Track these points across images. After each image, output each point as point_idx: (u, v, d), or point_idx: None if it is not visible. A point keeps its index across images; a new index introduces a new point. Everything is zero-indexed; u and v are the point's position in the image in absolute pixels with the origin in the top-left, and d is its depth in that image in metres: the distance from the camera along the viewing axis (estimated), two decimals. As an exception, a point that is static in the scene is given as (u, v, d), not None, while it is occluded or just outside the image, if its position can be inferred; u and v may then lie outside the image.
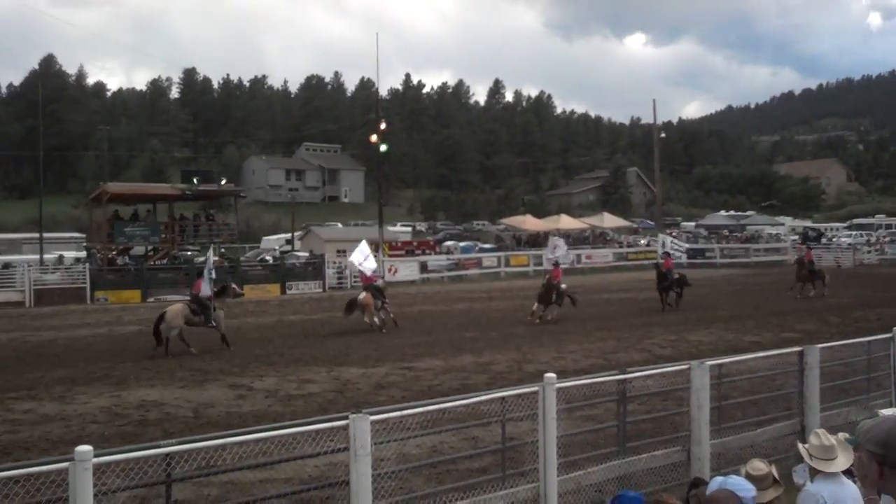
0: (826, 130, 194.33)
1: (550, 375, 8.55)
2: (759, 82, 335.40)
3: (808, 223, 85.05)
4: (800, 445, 5.68)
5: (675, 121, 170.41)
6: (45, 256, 44.50)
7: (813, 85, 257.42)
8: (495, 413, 8.74)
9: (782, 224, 77.36)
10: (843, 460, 5.42)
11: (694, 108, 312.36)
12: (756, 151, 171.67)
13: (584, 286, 31.65)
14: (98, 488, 5.94)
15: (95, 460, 5.82)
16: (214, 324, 21.20)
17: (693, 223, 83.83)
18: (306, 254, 44.64)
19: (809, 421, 10.74)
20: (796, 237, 63.88)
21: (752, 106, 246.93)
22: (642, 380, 10.40)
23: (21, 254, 49.78)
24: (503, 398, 8.64)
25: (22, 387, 16.19)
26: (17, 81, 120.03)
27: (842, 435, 5.61)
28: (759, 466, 5.45)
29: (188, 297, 22.38)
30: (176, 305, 21.69)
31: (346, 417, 7.15)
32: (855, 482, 5.28)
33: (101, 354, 20.52)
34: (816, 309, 27.91)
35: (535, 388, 8.45)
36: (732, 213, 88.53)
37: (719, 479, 5.14)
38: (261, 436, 7.21)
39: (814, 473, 5.55)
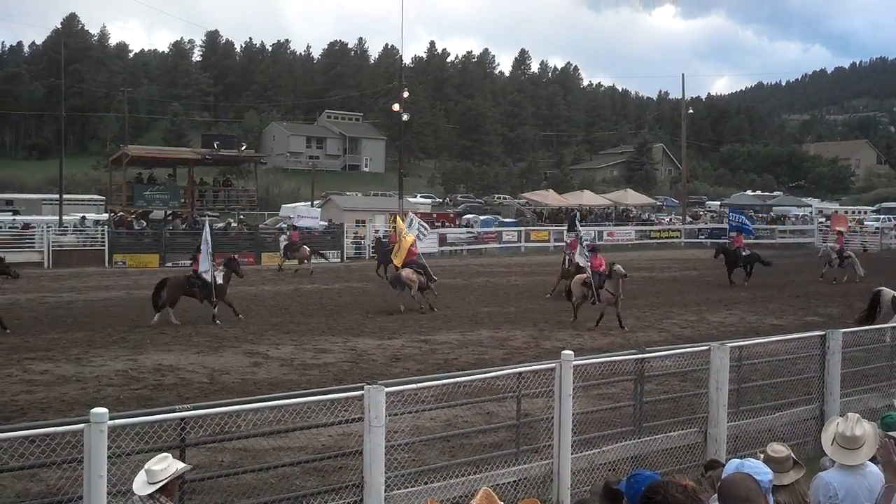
0: (857, 111, 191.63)
1: (568, 352, 8.48)
2: (790, 59, 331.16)
3: (836, 205, 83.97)
4: (824, 437, 5.49)
5: (703, 96, 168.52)
6: (66, 218, 44.75)
7: (846, 63, 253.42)
8: (511, 388, 8.70)
9: (809, 206, 76.48)
10: (867, 451, 5.27)
11: (723, 84, 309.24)
12: (785, 130, 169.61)
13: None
14: (112, 450, 5.96)
15: (111, 422, 5.83)
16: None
17: (718, 202, 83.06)
18: (325, 223, 44.63)
19: (829, 406, 10.62)
20: (823, 219, 63.13)
21: (783, 83, 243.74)
22: (661, 360, 10.31)
23: (41, 214, 50.12)
24: (519, 374, 8.59)
25: (39, 347, 16.33)
26: (39, 40, 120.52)
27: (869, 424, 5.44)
28: (778, 449, 5.33)
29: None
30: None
31: (361, 388, 7.13)
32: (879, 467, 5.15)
33: (119, 318, 20.66)
34: (841, 293, 27.61)
35: (552, 365, 8.39)
36: (759, 192, 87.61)
37: (736, 461, 5.04)
38: (275, 403, 7.21)
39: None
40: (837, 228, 38.94)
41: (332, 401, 7.39)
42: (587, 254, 21.45)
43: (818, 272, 32.08)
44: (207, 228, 22.23)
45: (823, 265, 32.16)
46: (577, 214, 25.90)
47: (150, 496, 5.30)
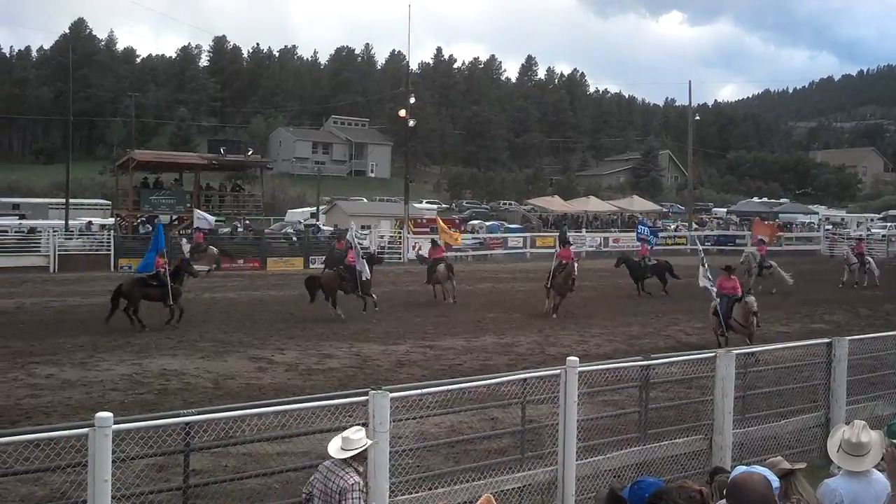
0: (865, 118, 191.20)
1: (573, 359, 8.46)
2: (797, 66, 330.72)
3: (843, 212, 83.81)
4: (830, 443, 5.46)
5: (710, 103, 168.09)
6: (73, 222, 44.85)
7: (853, 71, 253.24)
8: (516, 395, 8.68)
9: (816, 213, 76.31)
10: (872, 458, 5.24)
11: (729, 91, 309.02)
12: (792, 137, 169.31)
13: (609, 270, 31.39)
14: (117, 455, 5.95)
15: (115, 427, 5.83)
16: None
17: (725, 209, 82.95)
18: (330, 228, 44.70)
19: (835, 414, 10.58)
20: (830, 227, 62.97)
21: (790, 91, 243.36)
22: (666, 366, 10.28)
23: (47, 218, 50.21)
24: (524, 380, 8.58)
25: (44, 352, 16.35)
26: (47, 45, 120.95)
27: (875, 432, 5.41)
28: (779, 465, 5.29)
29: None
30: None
31: (365, 393, 7.12)
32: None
33: (124, 322, 20.63)
34: (847, 300, 27.52)
35: (557, 371, 8.37)
36: (765, 199, 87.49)
37: (743, 468, 5.02)
38: (280, 408, 7.20)
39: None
40: (759, 236, 37.24)
41: (336, 406, 7.39)
42: (710, 276, 18.45)
43: (832, 280, 32.19)
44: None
45: (743, 273, 28.59)
46: (567, 227, 25.56)
47: (345, 461, 6.02)
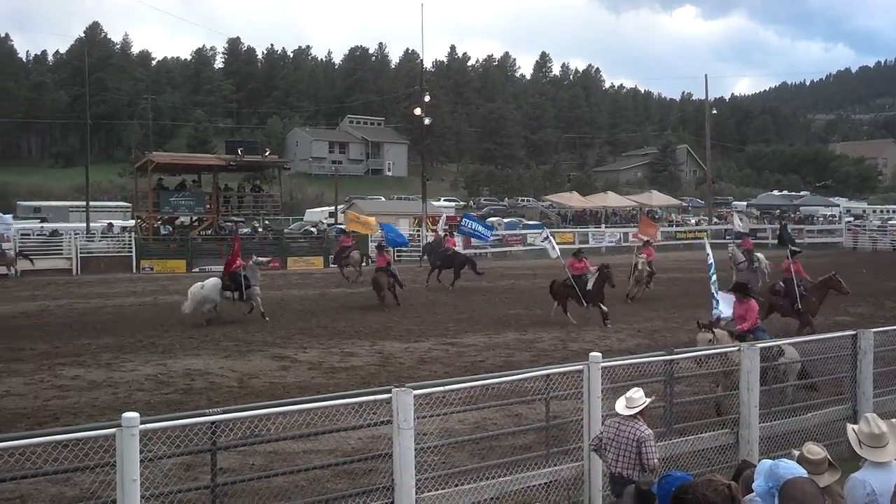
0: (883, 109, 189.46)
1: (595, 354, 8.43)
2: (813, 58, 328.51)
3: (864, 204, 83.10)
4: (849, 427, 5.50)
5: (726, 97, 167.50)
6: (93, 224, 45.18)
7: (870, 62, 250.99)
8: (539, 391, 8.67)
9: (837, 205, 75.72)
10: (894, 447, 5.25)
11: (746, 85, 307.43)
12: (810, 130, 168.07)
13: (628, 264, 31.28)
14: (144, 454, 5.99)
15: (142, 427, 5.86)
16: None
17: (745, 203, 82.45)
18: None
19: (861, 406, 10.49)
20: (851, 219, 62.41)
21: (807, 83, 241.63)
22: (690, 361, 10.23)
23: (67, 221, 50.62)
24: (547, 376, 8.56)
25: (70, 353, 16.48)
26: (63, 49, 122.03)
27: (894, 421, 5.43)
28: (815, 451, 5.28)
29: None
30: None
31: (389, 391, 7.12)
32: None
33: (148, 323, 20.81)
34: (870, 293, 27.26)
35: (580, 367, 8.34)
36: (785, 192, 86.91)
37: (768, 462, 4.98)
38: (304, 407, 7.20)
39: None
40: (642, 237, 29.98)
41: (360, 404, 7.39)
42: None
43: (855, 273, 31.62)
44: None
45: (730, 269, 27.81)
46: (581, 250, 23.96)
47: (631, 416, 7.05)
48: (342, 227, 39.68)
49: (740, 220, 35.19)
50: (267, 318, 21.26)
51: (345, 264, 32.48)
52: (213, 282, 21.44)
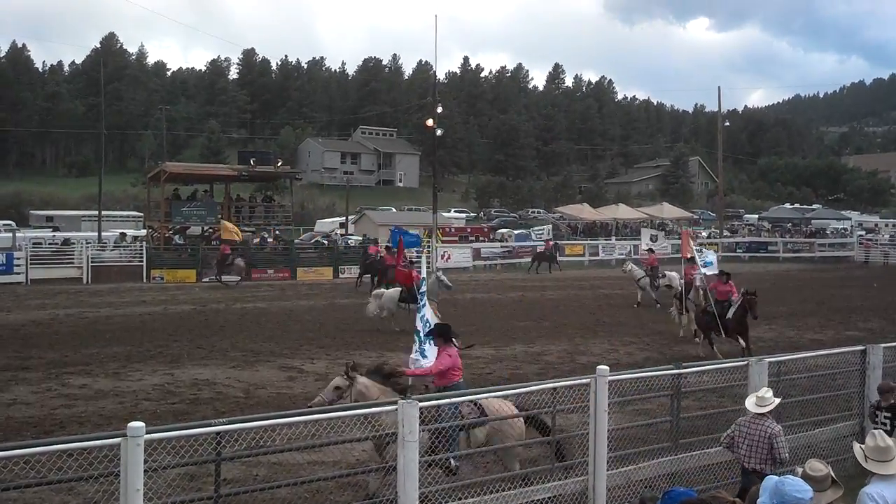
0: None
1: (603, 367, 8.40)
2: (827, 70, 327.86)
3: (876, 218, 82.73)
4: (856, 446, 5.52)
5: (739, 109, 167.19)
6: (105, 234, 45.37)
7: (885, 75, 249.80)
8: (545, 404, 8.63)
9: (849, 218, 75.34)
10: None
11: (759, 97, 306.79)
12: (823, 143, 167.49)
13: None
14: (149, 464, 5.99)
15: (147, 436, 5.87)
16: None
17: (756, 215, 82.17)
18: (359, 237, 44.87)
19: (869, 422, 10.40)
20: (863, 232, 62.07)
21: (821, 95, 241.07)
22: (698, 375, 10.17)
23: (80, 231, 50.84)
24: (554, 389, 8.52)
25: (78, 362, 16.53)
26: (78, 60, 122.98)
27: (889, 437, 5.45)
28: (818, 467, 5.27)
29: None
30: None
31: (395, 403, 7.11)
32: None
33: (156, 332, 20.87)
34: (881, 307, 27.12)
35: (587, 380, 8.32)
36: (797, 206, 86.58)
37: (774, 478, 4.96)
38: (310, 418, 7.21)
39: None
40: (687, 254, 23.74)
41: (366, 415, 7.39)
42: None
43: (866, 287, 31.45)
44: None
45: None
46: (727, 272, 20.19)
47: (761, 414, 7.77)
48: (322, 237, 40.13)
49: (650, 238, 34.89)
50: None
51: (227, 272, 34.16)
52: (392, 292, 22.13)
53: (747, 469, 7.82)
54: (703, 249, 20.80)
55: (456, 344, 9.96)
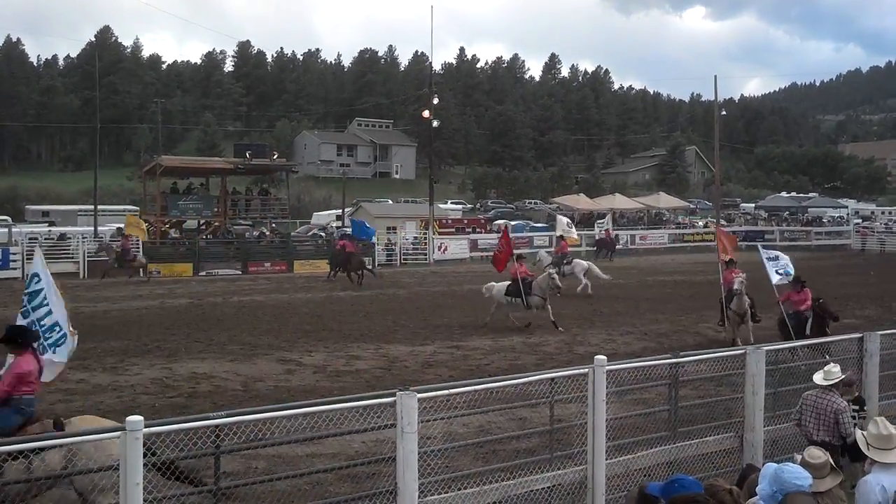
0: (894, 110, 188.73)
1: (601, 357, 8.40)
2: (823, 58, 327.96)
3: (872, 206, 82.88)
4: (858, 433, 5.53)
5: (736, 98, 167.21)
6: (102, 228, 45.31)
7: (881, 62, 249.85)
8: (544, 394, 8.64)
9: (845, 207, 75.48)
10: None
11: (756, 85, 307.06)
12: (820, 131, 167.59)
13: (638, 268, 31.25)
14: (148, 458, 5.99)
15: (146, 430, 5.86)
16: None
17: (753, 204, 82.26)
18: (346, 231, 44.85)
19: (868, 409, 10.42)
20: (860, 220, 62.15)
21: (817, 84, 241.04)
22: (695, 364, 10.18)
23: (76, 225, 50.75)
24: (552, 379, 8.52)
25: (75, 357, 16.27)
26: (73, 53, 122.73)
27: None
28: (817, 455, 5.28)
29: None
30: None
31: (393, 394, 7.12)
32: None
33: (154, 326, 20.85)
34: (878, 295, 27.17)
35: (585, 370, 8.31)
36: (794, 194, 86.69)
37: (773, 466, 4.97)
38: (309, 410, 7.21)
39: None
40: (724, 256, 20.71)
41: (364, 407, 7.38)
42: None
43: (863, 274, 31.48)
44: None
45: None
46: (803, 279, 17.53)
47: (827, 388, 8.19)
48: (347, 229, 40.08)
49: (568, 224, 34.81)
50: (561, 328, 20.27)
51: (129, 266, 33.90)
52: (501, 285, 21.50)
53: (815, 441, 7.93)
54: (780, 255, 17.88)
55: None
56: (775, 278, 17.03)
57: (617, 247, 46.95)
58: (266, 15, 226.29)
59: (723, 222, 61.45)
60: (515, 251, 23.46)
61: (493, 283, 21.77)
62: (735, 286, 18.30)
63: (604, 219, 50.23)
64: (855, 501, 5.40)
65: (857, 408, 9.18)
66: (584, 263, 28.97)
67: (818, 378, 8.28)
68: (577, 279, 27.99)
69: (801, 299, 16.77)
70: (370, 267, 33.40)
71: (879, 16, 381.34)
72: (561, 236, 32.92)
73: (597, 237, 47.49)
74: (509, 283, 21.26)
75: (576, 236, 36.81)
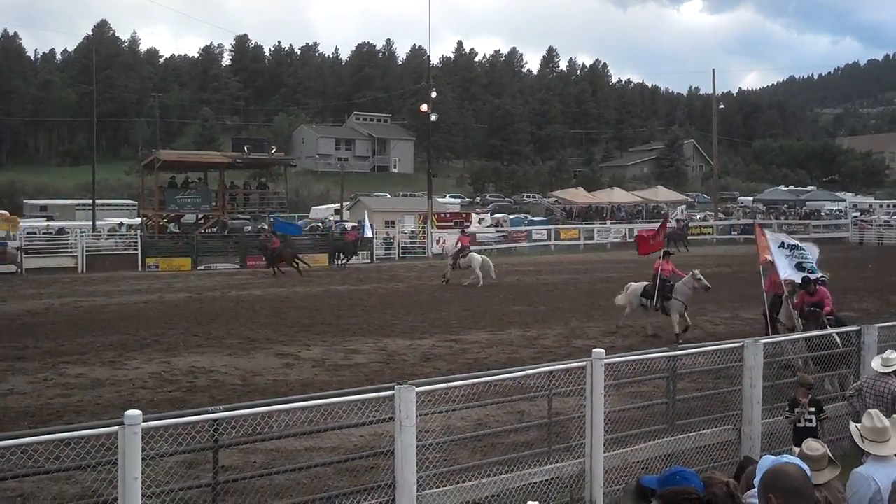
0: (891, 103, 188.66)
1: (599, 350, 8.42)
2: (820, 52, 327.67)
3: (870, 199, 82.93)
4: (852, 425, 5.54)
5: (734, 91, 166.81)
6: (101, 223, 45.27)
7: (878, 55, 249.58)
8: (542, 387, 8.66)
9: (843, 200, 75.51)
10: (894, 442, 5.29)
11: (753, 79, 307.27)
12: (818, 124, 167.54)
13: (635, 261, 31.21)
14: (146, 452, 6.00)
15: (144, 425, 5.88)
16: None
17: (751, 198, 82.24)
18: (354, 224, 44.84)
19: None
20: (857, 213, 62.15)
21: (815, 77, 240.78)
22: (693, 357, 10.21)
23: (74, 220, 50.71)
24: (550, 372, 8.55)
25: (74, 351, 16.50)
26: (71, 48, 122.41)
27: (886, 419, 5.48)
28: (815, 447, 5.28)
29: None
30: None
31: (391, 388, 7.13)
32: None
33: (152, 321, 20.84)
34: (876, 288, 27.19)
35: (583, 363, 8.33)
36: (792, 187, 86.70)
37: (770, 458, 4.97)
38: (307, 404, 7.22)
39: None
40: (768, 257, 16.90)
41: (363, 401, 7.39)
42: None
43: (861, 268, 31.46)
44: None
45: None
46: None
47: (886, 374, 8.51)
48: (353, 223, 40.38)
49: (478, 221, 36.27)
50: (681, 341, 16.77)
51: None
52: (637, 286, 19.27)
53: None
54: (800, 245, 15.59)
55: None
56: (791, 274, 14.85)
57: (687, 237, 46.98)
58: (263, 9, 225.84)
59: (721, 216, 61.61)
60: (666, 248, 20.09)
61: (630, 284, 19.56)
62: (785, 291, 15.24)
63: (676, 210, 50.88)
64: (846, 493, 5.43)
65: (813, 409, 9.20)
66: (479, 257, 29.75)
67: (876, 364, 8.66)
68: (473, 271, 29.04)
69: (815, 301, 14.55)
70: (300, 257, 34.33)
71: (877, 9, 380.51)
72: (463, 231, 34.94)
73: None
74: (646, 284, 18.89)
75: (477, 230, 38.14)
